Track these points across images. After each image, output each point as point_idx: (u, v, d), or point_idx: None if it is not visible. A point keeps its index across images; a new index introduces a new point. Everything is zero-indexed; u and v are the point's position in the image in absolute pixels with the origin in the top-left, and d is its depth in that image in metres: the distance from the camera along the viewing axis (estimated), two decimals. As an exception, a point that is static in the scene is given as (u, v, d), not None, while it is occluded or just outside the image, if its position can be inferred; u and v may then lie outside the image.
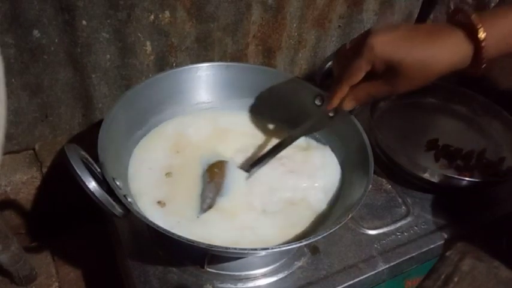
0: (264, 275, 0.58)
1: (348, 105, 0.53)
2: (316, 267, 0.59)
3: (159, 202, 0.56)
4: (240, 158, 0.63)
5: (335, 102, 0.53)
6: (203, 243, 0.45)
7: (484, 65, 0.47)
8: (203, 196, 0.57)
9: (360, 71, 0.49)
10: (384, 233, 0.65)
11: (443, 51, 0.47)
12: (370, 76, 0.50)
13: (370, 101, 0.54)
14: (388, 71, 0.48)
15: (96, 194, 0.44)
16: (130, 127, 0.61)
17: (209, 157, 0.62)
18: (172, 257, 0.58)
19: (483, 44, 0.45)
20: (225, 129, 0.67)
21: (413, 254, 0.63)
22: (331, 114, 0.65)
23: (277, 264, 0.59)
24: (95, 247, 0.76)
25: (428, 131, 0.80)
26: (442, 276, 0.59)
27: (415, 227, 0.67)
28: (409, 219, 0.68)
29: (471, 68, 0.48)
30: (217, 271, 0.57)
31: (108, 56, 0.68)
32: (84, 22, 0.63)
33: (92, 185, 0.44)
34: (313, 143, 0.67)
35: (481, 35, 0.45)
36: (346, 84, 0.51)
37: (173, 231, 0.45)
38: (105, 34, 0.65)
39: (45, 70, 0.65)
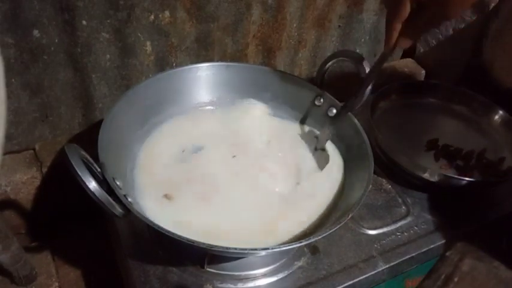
0: (264, 275, 0.58)
1: (403, 43, 0.53)
2: (316, 267, 0.59)
3: (165, 195, 0.57)
4: (245, 155, 0.64)
5: (391, 41, 0.53)
6: (203, 243, 0.45)
7: None
8: None
9: (405, 4, 0.49)
10: (383, 233, 0.65)
11: None
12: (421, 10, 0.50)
13: (425, 34, 0.54)
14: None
15: (97, 194, 0.44)
16: (131, 127, 0.61)
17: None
18: (172, 257, 0.58)
19: None
20: (225, 128, 0.67)
21: (413, 254, 0.63)
22: (331, 115, 0.66)
23: (277, 264, 0.59)
24: (95, 247, 0.76)
25: (428, 131, 0.80)
26: (442, 276, 0.59)
27: (415, 227, 0.67)
28: (409, 219, 0.68)
29: None
30: (217, 271, 0.57)
31: (108, 56, 0.68)
32: (84, 22, 0.63)
33: (92, 185, 0.44)
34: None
35: None
36: (397, 21, 0.51)
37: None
38: (105, 34, 0.65)
39: (45, 70, 0.65)
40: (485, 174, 0.73)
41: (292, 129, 0.69)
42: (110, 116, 0.55)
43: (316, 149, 0.65)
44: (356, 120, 0.62)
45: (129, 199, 0.48)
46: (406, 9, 0.50)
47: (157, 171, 0.60)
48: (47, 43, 0.62)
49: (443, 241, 0.66)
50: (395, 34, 0.53)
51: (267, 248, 0.49)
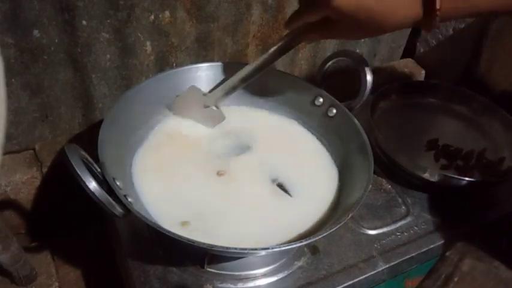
0: (264, 275, 0.58)
1: (306, 38, 0.57)
2: (316, 267, 0.59)
3: None
4: (240, 153, 0.64)
5: (289, 26, 0.56)
6: (203, 243, 0.45)
7: (438, 23, 0.47)
8: None
9: (315, 16, 0.52)
10: (383, 233, 0.65)
11: (398, 4, 0.46)
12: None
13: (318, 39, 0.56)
14: (342, 19, 0.49)
15: (97, 194, 0.44)
16: (131, 127, 0.61)
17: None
18: (172, 257, 0.58)
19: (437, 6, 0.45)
20: (225, 128, 0.67)
21: (413, 254, 0.63)
22: (331, 115, 0.66)
23: (277, 264, 0.59)
24: (95, 247, 0.76)
25: (428, 131, 0.80)
26: (442, 276, 0.59)
27: (415, 227, 0.67)
28: (409, 219, 0.68)
29: (425, 23, 0.48)
30: (217, 271, 0.57)
31: (108, 56, 0.68)
32: (84, 22, 0.63)
33: (92, 185, 0.44)
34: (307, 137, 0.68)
35: None
36: (304, 19, 0.54)
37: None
38: (105, 34, 0.65)
39: (45, 70, 0.65)
40: (485, 174, 0.73)
41: (291, 129, 0.69)
42: (110, 116, 0.55)
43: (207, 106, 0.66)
44: (356, 120, 0.62)
45: (129, 199, 0.48)
46: (314, 19, 0.52)
47: (157, 171, 0.60)
48: (47, 43, 0.62)
49: (443, 241, 0.66)
50: (296, 25, 0.55)
51: (267, 248, 0.49)
